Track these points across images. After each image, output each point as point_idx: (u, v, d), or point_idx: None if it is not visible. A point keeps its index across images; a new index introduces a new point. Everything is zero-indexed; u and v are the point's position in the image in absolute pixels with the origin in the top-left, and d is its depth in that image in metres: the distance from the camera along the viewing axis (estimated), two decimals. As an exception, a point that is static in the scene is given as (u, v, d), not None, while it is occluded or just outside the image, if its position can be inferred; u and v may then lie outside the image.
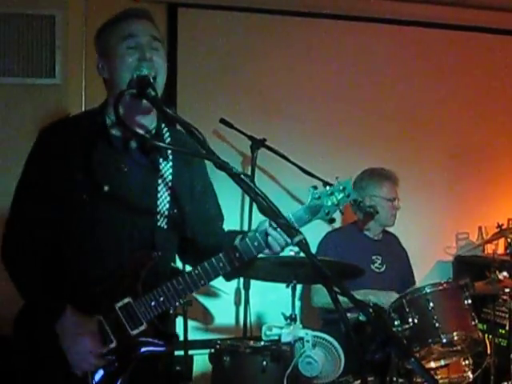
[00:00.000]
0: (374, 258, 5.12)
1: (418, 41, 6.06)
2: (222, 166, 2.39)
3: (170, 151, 2.90)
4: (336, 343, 3.97)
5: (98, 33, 2.87)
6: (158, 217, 2.82)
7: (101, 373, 2.67)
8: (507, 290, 4.71)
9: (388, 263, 5.13)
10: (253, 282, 5.19)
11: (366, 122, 5.86)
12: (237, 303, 5.56)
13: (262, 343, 4.12)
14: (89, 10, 4.85)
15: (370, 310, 2.39)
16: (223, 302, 5.45)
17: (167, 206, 2.84)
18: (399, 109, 6.00)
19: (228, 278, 3.02)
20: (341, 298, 2.23)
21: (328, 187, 2.76)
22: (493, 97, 6.25)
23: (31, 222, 2.79)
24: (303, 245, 2.28)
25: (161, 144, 2.79)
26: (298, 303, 5.54)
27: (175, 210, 2.87)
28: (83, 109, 4.68)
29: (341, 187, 2.76)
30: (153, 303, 2.69)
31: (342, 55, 5.85)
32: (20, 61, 4.64)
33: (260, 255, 2.83)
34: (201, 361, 5.18)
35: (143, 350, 2.70)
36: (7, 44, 4.68)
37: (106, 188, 2.74)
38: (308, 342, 3.86)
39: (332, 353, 3.98)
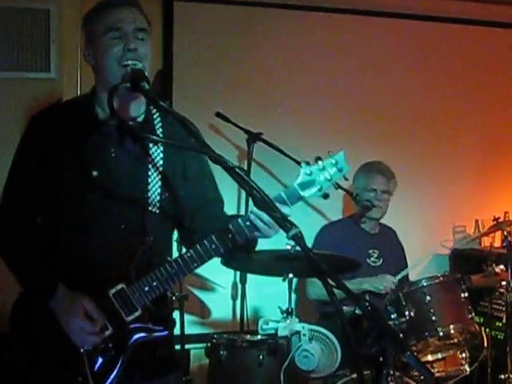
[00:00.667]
0: (370, 251, 5.12)
1: (417, 34, 6.06)
2: (217, 159, 2.37)
3: (160, 132, 2.87)
4: (333, 337, 3.98)
5: (84, 20, 2.86)
6: (149, 201, 2.81)
7: (100, 361, 2.66)
8: (504, 283, 4.71)
9: (385, 257, 5.13)
10: (249, 276, 5.19)
11: (363, 117, 5.86)
12: (233, 297, 5.56)
13: (259, 337, 4.13)
14: (83, 3, 4.81)
15: (366, 304, 2.36)
16: (220, 296, 5.45)
17: (158, 190, 2.83)
18: (397, 103, 6.00)
19: (225, 261, 3.00)
20: (336, 290, 2.21)
21: (320, 162, 2.65)
22: (492, 90, 6.25)
23: (22, 206, 2.80)
24: (298, 238, 2.26)
25: (154, 138, 2.77)
26: (293, 297, 5.55)
27: (167, 195, 2.85)
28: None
29: (333, 161, 2.64)
30: (146, 288, 2.66)
31: (340, 49, 5.84)
32: (15, 55, 4.62)
33: (257, 238, 2.78)
34: (197, 355, 5.20)
35: (138, 336, 2.68)
36: (2, 38, 4.65)
37: (94, 173, 2.74)
38: (305, 335, 3.86)
39: (329, 346, 3.98)
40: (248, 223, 2.65)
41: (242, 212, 5.25)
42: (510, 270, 4.68)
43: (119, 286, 2.67)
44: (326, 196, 2.69)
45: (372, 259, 5.09)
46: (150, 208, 2.81)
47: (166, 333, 2.76)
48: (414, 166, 6.03)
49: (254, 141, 5.08)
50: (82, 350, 2.65)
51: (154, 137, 2.77)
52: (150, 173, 2.83)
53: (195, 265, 2.67)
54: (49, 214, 2.80)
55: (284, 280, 4.04)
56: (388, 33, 5.97)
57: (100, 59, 2.76)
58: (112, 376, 2.66)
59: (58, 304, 2.67)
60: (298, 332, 3.87)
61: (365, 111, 5.86)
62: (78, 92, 4.70)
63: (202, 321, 5.50)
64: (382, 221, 5.31)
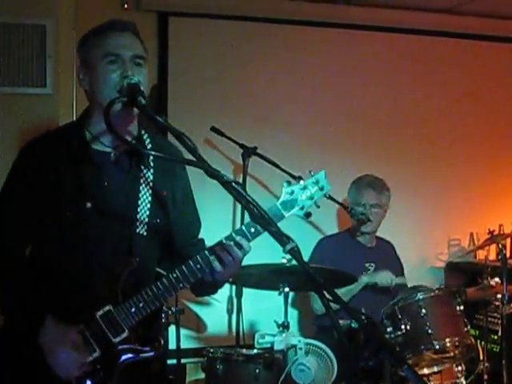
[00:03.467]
0: (367, 265, 5.12)
1: (415, 48, 6.12)
2: (214, 174, 2.39)
3: (151, 159, 2.87)
4: (329, 350, 3.99)
5: (81, 42, 2.84)
6: (138, 224, 2.81)
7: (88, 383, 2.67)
8: (499, 296, 4.71)
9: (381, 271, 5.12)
10: (245, 290, 5.19)
11: (358, 130, 5.88)
12: (229, 311, 5.56)
13: (255, 351, 4.12)
14: (79, 19, 4.84)
15: (363, 317, 2.36)
16: (215, 310, 5.45)
17: (147, 213, 2.83)
18: (390, 116, 6.03)
19: (197, 293, 3.06)
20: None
21: (301, 181, 2.71)
22: (486, 104, 6.29)
23: (11, 237, 2.80)
24: (295, 252, 2.27)
25: (152, 152, 2.78)
26: (290, 310, 5.55)
27: (157, 219, 2.86)
28: (74, 118, 4.67)
29: (314, 180, 2.72)
30: (133, 309, 2.67)
31: (333, 63, 5.87)
32: (11, 70, 4.61)
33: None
34: (193, 369, 5.20)
35: (126, 357, 2.69)
36: (-3, 54, 4.66)
37: (88, 205, 2.74)
38: (301, 349, 3.87)
39: (325, 360, 3.99)
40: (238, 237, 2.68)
41: (238, 225, 5.25)
42: (505, 283, 4.68)
43: (106, 308, 2.67)
44: (308, 215, 2.74)
45: (369, 273, 5.10)
46: (137, 230, 2.81)
47: (153, 353, 2.75)
48: (409, 179, 6.05)
49: (249, 155, 5.08)
50: None
51: (151, 151, 2.78)
52: (140, 195, 2.83)
53: (181, 285, 2.69)
54: (39, 241, 2.80)
55: (280, 294, 4.04)
56: (381, 46, 6.02)
57: (95, 85, 2.75)
58: None
59: (46, 337, 2.65)
60: (295, 346, 3.88)
61: (361, 125, 5.89)
62: (74, 107, 4.70)
63: (197, 335, 5.50)
64: (379, 234, 5.32)
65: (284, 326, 3.95)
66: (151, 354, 2.74)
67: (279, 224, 2.45)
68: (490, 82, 6.28)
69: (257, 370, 4.03)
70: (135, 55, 2.75)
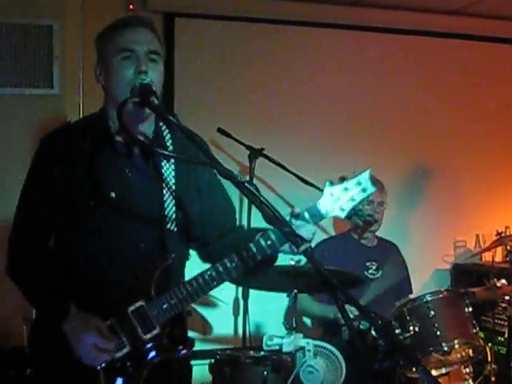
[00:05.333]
0: (368, 264, 5.10)
1: (414, 49, 6.11)
2: (226, 174, 2.38)
3: (171, 149, 2.86)
4: (337, 352, 3.96)
5: (98, 38, 2.84)
6: (167, 219, 2.79)
7: (119, 381, 2.63)
8: (507, 298, 4.70)
9: (384, 269, 5.10)
10: (251, 292, 5.17)
11: (363, 131, 5.87)
12: (235, 313, 5.54)
13: (262, 353, 4.10)
14: (85, 19, 4.83)
15: (378, 320, 2.35)
16: (222, 312, 5.44)
17: (173, 208, 2.81)
18: (396, 117, 6.03)
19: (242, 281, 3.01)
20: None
21: (344, 182, 2.67)
22: (489, 104, 6.27)
23: (34, 230, 2.78)
24: (309, 253, 2.26)
25: (165, 152, 2.76)
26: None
27: (182, 213, 2.83)
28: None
29: (357, 181, 2.68)
30: (165, 306, 2.64)
31: (341, 64, 5.88)
32: (18, 71, 4.62)
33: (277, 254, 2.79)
34: (200, 371, 5.16)
35: (155, 355, 2.65)
36: (5, 54, 4.66)
37: (112, 194, 2.72)
38: (309, 351, 3.84)
39: (333, 362, 3.97)
40: (269, 242, 2.64)
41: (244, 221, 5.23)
42: (513, 285, 4.68)
43: (138, 304, 2.64)
44: (349, 217, 2.71)
45: (370, 271, 5.08)
46: (168, 226, 2.79)
47: (184, 352, 2.73)
48: (414, 181, 6.05)
49: (255, 156, 5.07)
50: (98, 368, 2.62)
51: (164, 151, 2.77)
52: (164, 191, 2.81)
53: (215, 283, 2.66)
54: (64, 234, 2.78)
55: (288, 296, 4.03)
56: (390, 48, 6.03)
57: (110, 80, 2.74)
58: None
59: (71, 324, 2.64)
60: (303, 348, 3.86)
61: (365, 125, 5.88)
62: (81, 108, 4.71)
63: (204, 337, 5.47)
64: (382, 235, 5.31)
65: (292, 328, 3.94)
66: (183, 352, 2.72)
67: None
68: (496, 82, 6.27)
69: (265, 373, 4.00)
70: (150, 51, 2.74)
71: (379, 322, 2.19)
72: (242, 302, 5.29)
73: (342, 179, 2.69)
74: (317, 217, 2.67)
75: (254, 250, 2.64)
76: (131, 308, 2.64)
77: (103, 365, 2.61)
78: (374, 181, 5.00)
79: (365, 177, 2.69)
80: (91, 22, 4.75)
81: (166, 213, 2.79)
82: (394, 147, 5.99)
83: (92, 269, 2.73)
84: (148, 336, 2.64)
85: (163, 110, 2.57)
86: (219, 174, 2.43)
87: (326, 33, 5.82)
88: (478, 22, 6.13)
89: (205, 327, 5.46)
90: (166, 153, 2.76)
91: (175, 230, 2.81)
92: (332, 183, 2.69)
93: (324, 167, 5.42)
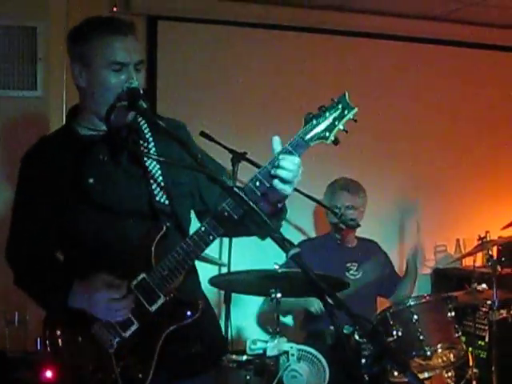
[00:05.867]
0: (348, 265, 5.13)
1: (399, 54, 6.15)
2: (216, 179, 2.39)
3: (148, 133, 2.85)
4: (321, 356, 3.96)
5: (77, 37, 2.81)
6: (155, 192, 2.77)
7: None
8: (489, 302, 4.72)
9: (364, 269, 5.13)
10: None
11: (349, 136, 5.85)
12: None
13: (245, 357, 4.09)
14: (69, 21, 4.80)
15: (367, 325, 2.35)
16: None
17: (160, 178, 2.79)
18: (383, 122, 6.03)
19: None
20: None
21: (323, 109, 2.62)
22: (473, 110, 6.33)
23: (32, 239, 2.83)
24: (298, 258, 2.26)
25: (154, 157, 2.75)
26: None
27: (170, 182, 2.81)
28: (64, 121, 4.64)
29: (335, 103, 2.62)
30: (165, 272, 2.62)
31: (326, 68, 5.88)
32: (1, 73, 4.59)
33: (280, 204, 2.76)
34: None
35: (165, 325, 2.65)
36: (-12, 56, 4.63)
37: (90, 180, 2.73)
38: (293, 355, 3.85)
39: (317, 366, 3.96)
40: (258, 183, 2.58)
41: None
42: (494, 289, 4.69)
43: (140, 277, 2.64)
44: (335, 142, 2.67)
45: (351, 272, 5.11)
46: (157, 198, 2.77)
47: (190, 314, 2.68)
48: (395, 186, 6.07)
49: (238, 160, 5.05)
50: (111, 351, 2.65)
51: (153, 156, 2.75)
52: (147, 164, 2.80)
53: (211, 237, 2.60)
54: (61, 234, 2.81)
55: (272, 300, 4.02)
56: (375, 53, 6.06)
57: (96, 85, 2.72)
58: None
59: (78, 294, 2.67)
60: (287, 352, 3.86)
61: (353, 131, 5.86)
62: (64, 110, 4.67)
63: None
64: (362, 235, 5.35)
65: (276, 332, 3.93)
66: (189, 315, 2.68)
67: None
68: (477, 88, 6.32)
69: (247, 377, 4.01)
70: (138, 61, 2.74)
71: (368, 326, 2.18)
72: (223, 306, 5.28)
73: (321, 108, 2.63)
74: (301, 146, 2.63)
75: (244, 190, 2.52)
76: (134, 282, 2.64)
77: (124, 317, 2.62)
78: (351, 186, 5.12)
79: (343, 98, 2.62)
80: (75, 23, 4.70)
81: (152, 187, 2.78)
82: (377, 153, 6.01)
83: (91, 259, 2.74)
84: (154, 307, 2.63)
85: (151, 114, 2.57)
86: (208, 178, 2.44)
87: (310, 37, 5.84)
88: (459, 28, 6.17)
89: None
90: (155, 157, 2.74)
91: (165, 200, 2.79)
92: (311, 114, 2.64)
93: (308, 171, 5.40)
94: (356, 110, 2.62)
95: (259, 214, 2.31)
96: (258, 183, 2.58)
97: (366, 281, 5.03)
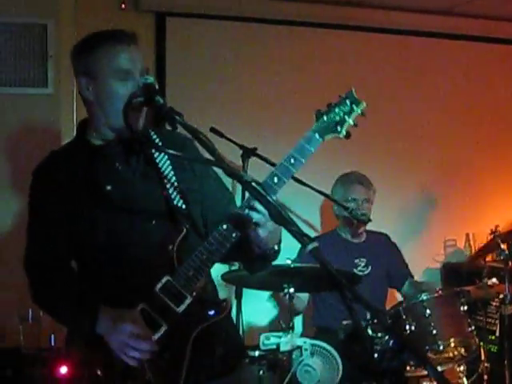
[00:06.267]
0: (356, 261, 5.10)
1: (403, 49, 6.13)
2: (233, 173, 2.39)
3: (159, 143, 2.88)
4: (334, 351, 3.97)
5: (81, 50, 2.83)
6: (172, 197, 2.80)
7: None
8: (501, 296, 4.72)
9: (373, 264, 5.12)
10: (244, 291, 5.16)
11: (358, 131, 5.86)
12: (228, 312, 5.52)
13: (258, 352, 4.10)
14: (78, 18, 4.81)
15: (386, 318, 2.35)
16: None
17: (175, 184, 2.81)
18: (391, 118, 6.03)
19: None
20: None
21: (332, 105, 2.68)
22: (480, 104, 6.32)
23: (47, 249, 2.83)
24: (317, 252, 2.26)
25: (174, 153, 2.74)
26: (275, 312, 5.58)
27: (185, 189, 2.84)
28: (75, 118, 4.66)
29: (344, 99, 2.69)
30: (191, 273, 2.62)
31: (333, 64, 5.87)
32: (12, 70, 4.59)
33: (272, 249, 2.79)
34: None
35: (194, 325, 2.65)
36: (-1, 54, 4.64)
37: (108, 188, 2.74)
38: (306, 350, 3.86)
39: (330, 361, 3.98)
40: (276, 179, 2.65)
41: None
42: (506, 284, 4.69)
43: (164, 280, 2.63)
44: (347, 135, 2.71)
45: (359, 268, 5.09)
46: (174, 202, 2.79)
47: (212, 313, 2.70)
48: (404, 180, 6.07)
49: (248, 156, 5.04)
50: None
51: (175, 153, 2.74)
52: (162, 168, 2.82)
53: (234, 235, 2.61)
54: (78, 244, 2.81)
55: (285, 295, 4.03)
56: (386, 49, 6.06)
57: (104, 96, 2.75)
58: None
59: (104, 323, 2.65)
60: (300, 347, 3.87)
61: (362, 126, 5.86)
62: (75, 107, 4.68)
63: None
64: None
65: (289, 328, 3.94)
66: (211, 314, 2.69)
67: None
68: (486, 83, 6.32)
69: (261, 372, 4.02)
70: (143, 69, 2.76)
71: (385, 320, 2.18)
72: (235, 302, 5.28)
73: (330, 105, 2.69)
74: (313, 142, 2.68)
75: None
76: (158, 286, 2.63)
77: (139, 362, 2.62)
78: (364, 179, 5.10)
79: (350, 94, 2.70)
80: (84, 20, 4.75)
81: (169, 192, 2.80)
82: (385, 147, 6.00)
83: (113, 259, 2.74)
84: (182, 308, 2.63)
85: (168, 109, 2.57)
86: (225, 172, 2.43)
87: (321, 33, 5.83)
88: (465, 22, 6.16)
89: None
90: (174, 152, 2.72)
91: (182, 204, 2.81)
92: (321, 111, 2.70)
93: (317, 166, 5.42)
94: (364, 104, 2.70)
95: (277, 208, 2.32)
96: (275, 179, 2.63)
97: (374, 276, 5.03)
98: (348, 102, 2.67)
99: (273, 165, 4.79)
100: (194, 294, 2.64)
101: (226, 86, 5.61)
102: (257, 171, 5.15)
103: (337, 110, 2.67)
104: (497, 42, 6.35)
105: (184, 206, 2.81)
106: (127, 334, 2.59)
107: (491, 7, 5.95)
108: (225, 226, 2.61)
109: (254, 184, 2.38)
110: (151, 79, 2.67)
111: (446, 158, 6.21)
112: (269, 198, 2.36)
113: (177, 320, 2.63)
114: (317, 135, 2.67)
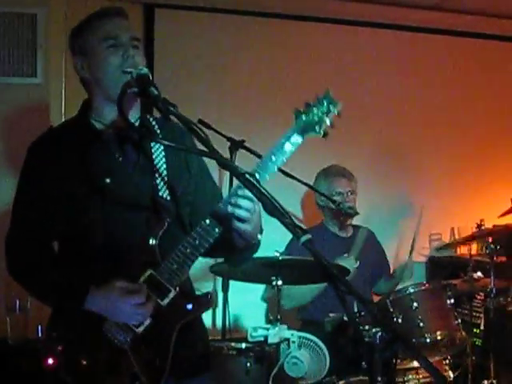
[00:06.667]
0: (345, 255, 5.11)
1: (393, 43, 6.16)
2: (226, 164, 2.41)
3: (159, 135, 2.89)
4: (321, 343, 3.98)
5: (75, 32, 2.85)
6: (159, 188, 2.81)
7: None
8: (488, 290, 4.75)
9: (360, 258, 5.12)
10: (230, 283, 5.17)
11: (344, 124, 5.85)
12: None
13: (245, 345, 4.10)
14: (69, 8, 4.79)
15: (375, 310, 2.37)
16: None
17: (166, 179, 2.83)
18: (378, 112, 6.07)
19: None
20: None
21: (311, 105, 2.72)
22: (467, 100, 6.37)
23: (35, 228, 2.79)
24: (310, 244, 2.27)
25: (166, 143, 2.74)
26: (264, 304, 5.58)
27: (177, 184, 2.86)
28: (63, 108, 4.65)
29: (321, 99, 2.73)
30: (175, 266, 2.64)
31: (323, 57, 5.89)
32: (1, 60, 4.58)
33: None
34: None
35: (177, 318, 2.67)
36: (-12, 43, 4.61)
37: (107, 180, 2.74)
38: (294, 342, 3.86)
39: (317, 353, 3.98)
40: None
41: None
42: (492, 277, 4.72)
43: (147, 273, 2.65)
44: (325, 135, 2.76)
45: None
46: (160, 194, 2.80)
47: (189, 308, 2.72)
48: (389, 174, 6.09)
49: (236, 148, 5.04)
50: (126, 348, 2.65)
51: (166, 142, 2.75)
52: (155, 162, 2.83)
53: (217, 230, 2.63)
54: (66, 230, 2.79)
55: (273, 287, 4.03)
56: (368, 42, 6.06)
57: (98, 69, 2.76)
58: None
59: (96, 300, 2.66)
60: (287, 339, 3.88)
61: (346, 118, 5.87)
62: (63, 97, 4.67)
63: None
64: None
65: (276, 320, 3.95)
66: (189, 308, 2.71)
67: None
68: (474, 78, 6.36)
69: (248, 364, 4.02)
70: (132, 37, 2.78)
71: (378, 313, 2.20)
72: (221, 294, 5.28)
73: (308, 105, 2.74)
74: (294, 140, 2.74)
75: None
76: (141, 279, 2.64)
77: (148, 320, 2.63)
78: (346, 171, 5.11)
79: (327, 94, 2.75)
80: (74, 10, 4.73)
81: (157, 182, 2.81)
82: (370, 141, 6.04)
83: (97, 255, 2.73)
84: (166, 301, 2.65)
85: (163, 100, 2.57)
86: (219, 164, 2.44)
87: (307, 26, 5.83)
88: (453, 17, 6.19)
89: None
90: (167, 143, 2.74)
91: (168, 197, 2.82)
92: (300, 111, 2.74)
93: (304, 158, 5.41)
94: (340, 105, 2.76)
95: (270, 200, 2.33)
96: (256, 175, 2.65)
97: (362, 270, 5.04)
98: (325, 102, 2.72)
99: (260, 157, 4.84)
100: (177, 288, 2.65)
101: (213, 77, 5.61)
102: (245, 163, 5.22)
103: (315, 110, 2.72)
104: (485, 38, 6.37)
105: (169, 198, 2.82)
106: (132, 307, 2.62)
107: (480, 3, 5.99)
108: (208, 221, 2.63)
109: (247, 176, 2.38)
110: (145, 70, 2.66)
111: (431, 153, 6.24)
112: (262, 189, 2.35)
113: (161, 313, 2.65)
114: (296, 135, 2.73)
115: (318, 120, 2.71)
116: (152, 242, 2.69)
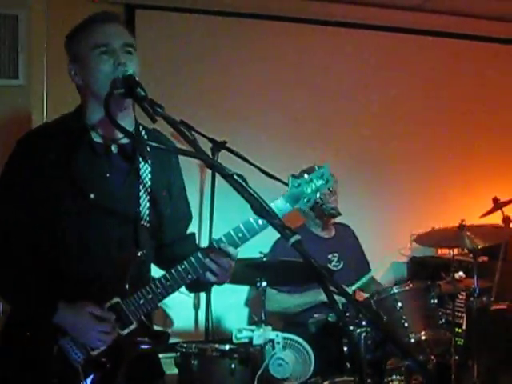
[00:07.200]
0: (329, 256, 5.13)
1: (377, 45, 6.19)
2: (214, 165, 2.40)
3: (149, 153, 2.87)
4: (306, 345, 3.99)
5: (68, 39, 2.83)
6: (141, 215, 2.81)
7: (91, 376, 2.64)
8: (471, 289, 4.76)
9: (345, 259, 5.15)
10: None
11: (325, 124, 5.91)
12: (196, 306, 5.52)
13: (229, 346, 4.10)
14: (50, 10, 4.77)
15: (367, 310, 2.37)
16: (182, 306, 5.40)
17: (147, 205, 2.82)
18: (355, 112, 6.07)
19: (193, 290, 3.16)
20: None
21: (307, 175, 2.75)
22: (450, 97, 6.42)
23: (13, 226, 2.74)
24: (299, 245, 2.27)
25: (155, 145, 2.75)
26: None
27: (155, 211, 2.86)
28: (45, 110, 4.62)
29: (319, 174, 2.76)
30: (142, 301, 2.66)
31: (304, 58, 5.90)
32: (-18, 62, 4.55)
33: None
34: (164, 365, 5.14)
35: (135, 350, 2.68)
36: (-30, 44, 4.57)
37: (92, 196, 2.72)
38: (279, 343, 3.87)
39: (302, 354, 4.00)
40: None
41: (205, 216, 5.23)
42: (475, 277, 4.74)
43: (114, 300, 2.67)
44: (312, 208, 2.80)
45: (333, 264, 5.11)
46: (141, 222, 2.81)
47: (164, 345, 2.78)
48: (371, 174, 6.10)
49: (218, 149, 5.04)
50: (77, 366, 2.64)
51: (153, 144, 2.75)
52: (140, 187, 2.82)
53: (190, 277, 2.68)
54: (42, 234, 2.75)
55: (257, 288, 4.04)
56: (352, 43, 6.09)
57: (89, 76, 2.73)
58: None
59: (65, 317, 2.65)
60: (272, 340, 3.89)
61: (327, 119, 5.92)
62: (45, 99, 4.63)
63: (164, 330, 5.44)
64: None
65: (261, 321, 3.95)
66: (162, 345, 2.76)
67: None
68: (454, 77, 6.39)
69: (232, 365, 4.00)
70: (125, 43, 2.76)
71: (368, 312, 2.21)
72: (203, 295, 5.27)
73: (304, 172, 2.80)
74: (283, 210, 2.74)
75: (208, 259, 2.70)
76: (107, 305, 2.66)
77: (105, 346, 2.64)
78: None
79: (325, 169, 2.79)
80: (56, 12, 4.71)
81: (140, 209, 2.81)
82: (354, 142, 6.05)
83: (70, 265, 2.73)
84: (125, 331, 2.66)
85: (149, 102, 2.56)
86: (206, 165, 2.45)
87: (293, 27, 5.85)
88: (435, 18, 6.22)
89: (165, 321, 5.43)
90: (154, 144, 2.74)
91: (147, 226, 2.83)
92: (295, 176, 2.77)
93: (286, 160, 5.43)
94: (333, 181, 2.95)
95: (259, 202, 2.33)
96: (240, 234, 2.73)
97: (347, 270, 5.06)
98: (320, 178, 2.77)
99: (243, 158, 4.84)
100: (139, 322, 2.67)
101: (195, 79, 5.59)
102: (227, 164, 5.21)
103: (310, 184, 2.76)
104: (466, 39, 6.42)
105: (148, 226, 2.83)
106: (97, 333, 2.63)
107: (461, 4, 6.02)
108: (183, 267, 2.67)
109: (236, 177, 2.38)
110: (131, 70, 2.67)
111: (410, 152, 6.27)
112: (251, 190, 2.35)
113: (118, 341, 2.66)
114: (287, 204, 2.75)
115: (310, 194, 2.76)
116: (123, 270, 2.71)
